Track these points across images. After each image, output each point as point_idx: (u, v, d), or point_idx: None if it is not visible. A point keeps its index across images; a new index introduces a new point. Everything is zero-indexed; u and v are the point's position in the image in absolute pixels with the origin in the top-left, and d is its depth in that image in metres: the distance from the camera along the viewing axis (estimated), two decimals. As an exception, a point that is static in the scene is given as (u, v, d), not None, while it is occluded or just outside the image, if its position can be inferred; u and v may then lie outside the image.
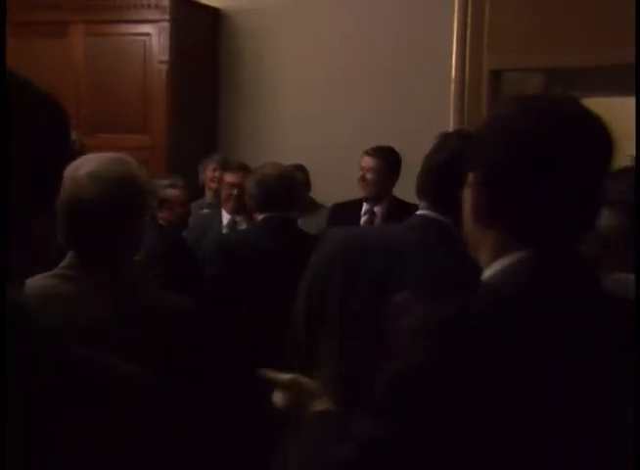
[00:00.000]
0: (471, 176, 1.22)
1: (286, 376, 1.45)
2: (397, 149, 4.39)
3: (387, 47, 5.22)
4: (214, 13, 5.61)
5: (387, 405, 1.08)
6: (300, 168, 4.80)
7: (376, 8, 5.23)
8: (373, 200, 4.36)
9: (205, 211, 4.69)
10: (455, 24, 4.91)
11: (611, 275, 1.98)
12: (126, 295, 1.75)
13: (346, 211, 4.46)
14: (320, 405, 1.36)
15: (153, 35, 5.18)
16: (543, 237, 1.15)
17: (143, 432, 1.65)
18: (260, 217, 3.31)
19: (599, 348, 1.12)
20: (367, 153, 4.33)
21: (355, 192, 4.47)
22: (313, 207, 4.92)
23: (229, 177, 4.39)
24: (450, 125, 4.63)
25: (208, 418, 1.83)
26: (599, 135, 1.18)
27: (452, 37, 4.91)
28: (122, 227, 1.74)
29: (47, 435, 1.10)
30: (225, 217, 4.47)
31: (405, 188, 4.35)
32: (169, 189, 4.05)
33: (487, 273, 1.19)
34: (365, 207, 4.41)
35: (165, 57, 5.16)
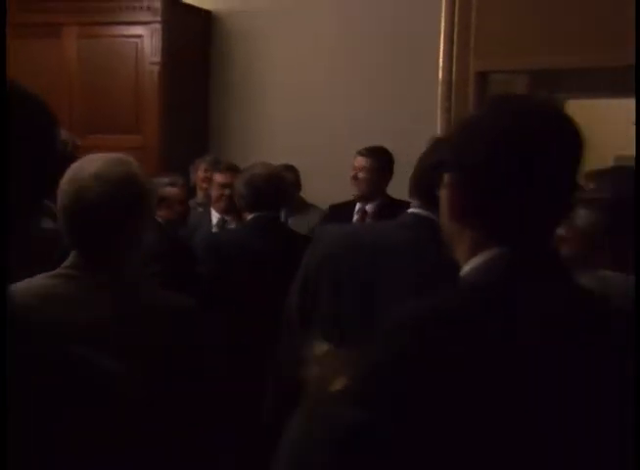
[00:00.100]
0: (446, 177, 1.23)
1: (323, 349, 1.43)
2: (386, 147, 4.41)
3: (375, 50, 5.22)
4: (206, 15, 5.60)
5: (366, 393, 1.10)
6: (290, 169, 4.80)
7: (365, 11, 5.24)
8: (365, 198, 4.39)
9: (200, 210, 4.68)
10: (442, 28, 4.92)
11: (593, 273, 1.99)
12: (127, 295, 1.73)
13: (342, 212, 4.50)
14: (339, 385, 1.36)
15: (145, 37, 5.16)
16: (517, 235, 1.16)
17: (143, 432, 1.65)
18: (250, 217, 3.30)
19: (570, 340, 1.13)
20: (360, 153, 4.36)
21: (345, 191, 4.47)
22: (303, 206, 4.92)
23: (219, 178, 4.39)
24: (437, 125, 4.64)
25: (208, 418, 1.81)
26: (570, 135, 1.19)
27: (440, 40, 4.92)
28: (125, 227, 1.73)
29: (46, 435, 1.10)
30: (215, 217, 4.47)
31: (391, 186, 4.38)
32: (168, 187, 4.02)
33: (464, 270, 1.20)
34: (358, 205, 4.43)
35: (157, 58, 5.14)
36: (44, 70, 5.18)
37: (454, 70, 4.86)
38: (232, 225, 4.30)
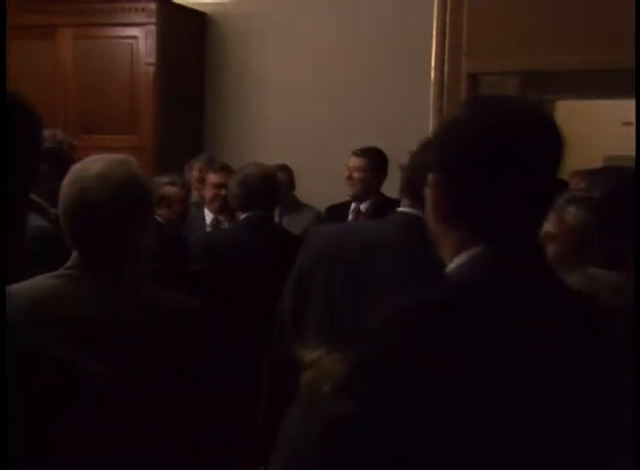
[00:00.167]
0: (430, 177, 1.23)
1: (315, 353, 1.44)
2: (379, 147, 4.41)
3: (369, 51, 5.22)
4: (200, 17, 5.59)
5: (355, 387, 1.10)
6: (285, 168, 4.80)
7: (359, 13, 5.24)
8: (359, 198, 4.41)
9: (195, 209, 4.67)
10: (434, 29, 4.93)
11: (582, 270, 2.00)
12: (128, 295, 1.72)
13: (338, 212, 4.52)
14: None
15: (140, 38, 5.15)
16: (501, 234, 1.16)
17: (143, 432, 1.64)
18: (243, 216, 3.29)
19: (554, 337, 1.13)
20: (354, 153, 4.39)
21: (339, 191, 4.48)
22: (297, 206, 4.92)
23: (213, 178, 4.38)
24: (430, 125, 4.64)
25: (208, 418, 1.80)
26: (551, 136, 1.20)
27: (432, 41, 4.93)
28: (128, 228, 1.72)
29: (36, 434, 1.10)
30: (208, 217, 4.46)
31: (385, 185, 4.38)
32: (168, 186, 4.01)
33: (449, 268, 1.21)
34: (352, 205, 4.46)
35: (152, 59, 5.13)
36: (40, 71, 5.18)
37: (446, 71, 4.88)
38: (225, 225, 4.29)
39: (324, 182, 4.94)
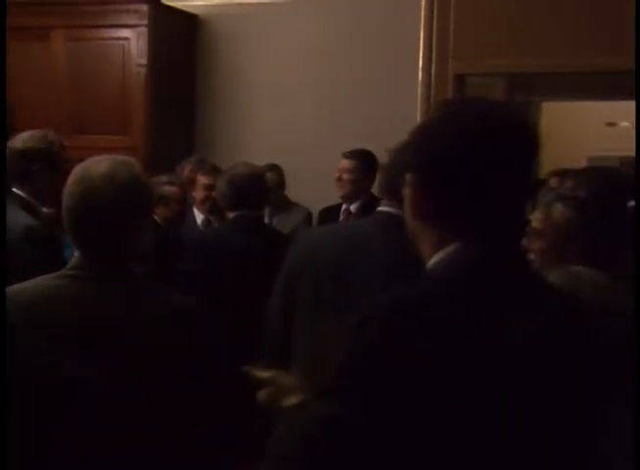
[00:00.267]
0: (408, 177, 1.23)
1: (266, 373, 1.45)
2: (367, 147, 4.41)
3: (358, 52, 5.22)
4: (191, 19, 5.58)
5: (337, 387, 1.10)
6: (275, 168, 4.80)
7: (347, 16, 5.23)
8: (349, 199, 4.43)
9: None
10: (422, 32, 4.94)
11: (565, 267, 2.01)
12: (130, 294, 1.71)
13: (330, 214, 4.52)
14: (295, 399, 1.36)
15: (132, 40, 5.13)
16: (477, 230, 1.16)
17: (143, 432, 1.63)
18: (231, 216, 3.27)
19: (529, 330, 1.13)
20: (344, 155, 4.41)
21: (329, 191, 4.48)
22: (287, 205, 4.92)
23: (203, 179, 4.37)
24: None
25: (208, 418, 1.79)
26: (525, 136, 1.20)
27: (419, 43, 4.94)
28: (130, 227, 1.71)
29: (29, 434, 1.09)
30: (199, 217, 4.45)
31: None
32: (167, 186, 3.99)
33: (428, 265, 1.21)
34: (343, 206, 4.48)
35: (144, 61, 5.12)
36: (33, 72, 5.15)
37: (433, 72, 4.89)
38: (216, 225, 4.28)
39: (314, 182, 4.94)
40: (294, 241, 2.29)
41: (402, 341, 1.07)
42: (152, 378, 1.65)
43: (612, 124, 7.90)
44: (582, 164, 6.12)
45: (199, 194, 4.39)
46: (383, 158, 4.03)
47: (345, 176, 4.36)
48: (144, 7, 5.08)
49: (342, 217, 4.46)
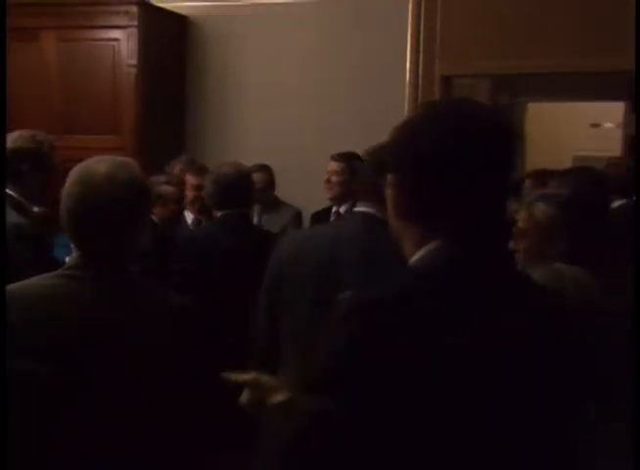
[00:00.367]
0: (389, 177, 1.24)
1: (246, 375, 1.45)
2: (356, 148, 4.41)
3: (347, 54, 5.22)
4: (181, 20, 5.56)
5: (324, 380, 1.10)
6: (265, 168, 4.79)
7: (337, 16, 5.23)
8: (338, 201, 4.44)
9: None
10: (409, 34, 4.95)
11: (548, 265, 2.03)
12: (128, 294, 1.70)
13: (321, 217, 4.53)
14: (281, 397, 1.36)
15: (122, 41, 5.11)
16: (459, 228, 1.17)
17: (143, 432, 1.62)
18: (218, 215, 3.26)
19: (509, 325, 1.14)
20: (332, 158, 4.42)
21: (319, 191, 4.48)
22: (277, 205, 4.91)
23: (192, 180, 4.36)
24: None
25: (208, 418, 1.78)
26: (504, 136, 1.20)
27: (407, 45, 4.95)
28: (129, 228, 1.70)
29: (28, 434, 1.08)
30: (189, 217, 4.44)
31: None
32: (164, 186, 3.97)
33: (410, 262, 1.21)
34: (333, 208, 4.48)
35: (134, 61, 5.10)
36: (24, 73, 5.12)
37: (420, 73, 4.90)
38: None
39: (304, 182, 4.94)
40: (277, 243, 2.30)
41: (383, 336, 1.07)
42: (151, 378, 1.64)
43: (596, 125, 7.94)
44: (569, 163, 6.15)
45: (188, 194, 4.38)
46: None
47: (334, 179, 4.37)
48: (134, 8, 5.06)
49: (332, 219, 4.46)
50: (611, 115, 7.10)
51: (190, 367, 1.70)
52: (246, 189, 3.26)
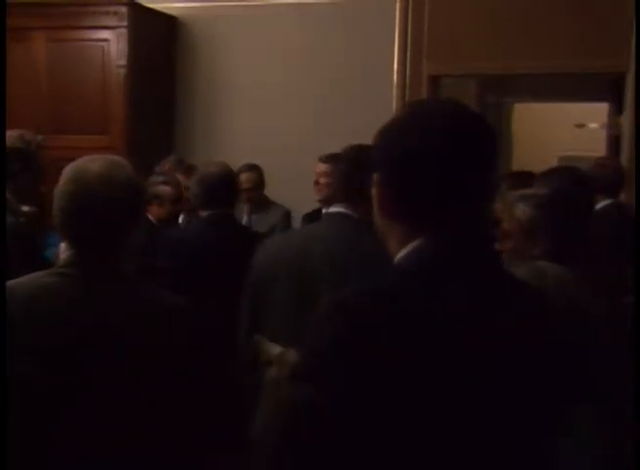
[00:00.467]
0: (374, 177, 1.24)
1: (274, 351, 1.43)
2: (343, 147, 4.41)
3: (335, 54, 5.22)
4: (171, 21, 5.55)
5: (310, 373, 1.10)
6: (255, 168, 4.78)
7: (325, 17, 5.24)
8: (327, 202, 4.40)
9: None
10: (397, 34, 4.95)
11: (531, 264, 2.03)
12: (124, 294, 1.68)
13: (313, 219, 4.51)
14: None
15: (111, 41, 5.10)
16: (441, 226, 1.17)
17: (142, 432, 1.61)
18: (204, 215, 3.26)
19: (493, 321, 1.14)
20: (321, 159, 4.39)
21: (308, 190, 4.47)
22: (266, 204, 4.91)
23: (181, 179, 4.34)
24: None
25: (208, 418, 1.77)
26: (485, 136, 1.21)
27: (394, 46, 4.95)
28: (124, 227, 1.69)
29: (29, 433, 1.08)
30: (180, 216, 4.42)
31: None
32: (162, 186, 3.94)
33: (395, 259, 1.21)
34: (323, 210, 4.47)
35: (123, 62, 5.09)
36: (13, 73, 5.09)
37: (408, 74, 4.91)
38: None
39: (293, 182, 4.94)
40: (258, 249, 2.30)
41: (367, 334, 1.07)
42: (150, 377, 1.63)
43: (580, 126, 7.97)
44: (553, 163, 6.17)
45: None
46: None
47: (323, 180, 4.35)
48: (123, 9, 5.05)
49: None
50: (595, 115, 7.12)
51: (189, 367, 1.70)
52: (230, 189, 3.25)
